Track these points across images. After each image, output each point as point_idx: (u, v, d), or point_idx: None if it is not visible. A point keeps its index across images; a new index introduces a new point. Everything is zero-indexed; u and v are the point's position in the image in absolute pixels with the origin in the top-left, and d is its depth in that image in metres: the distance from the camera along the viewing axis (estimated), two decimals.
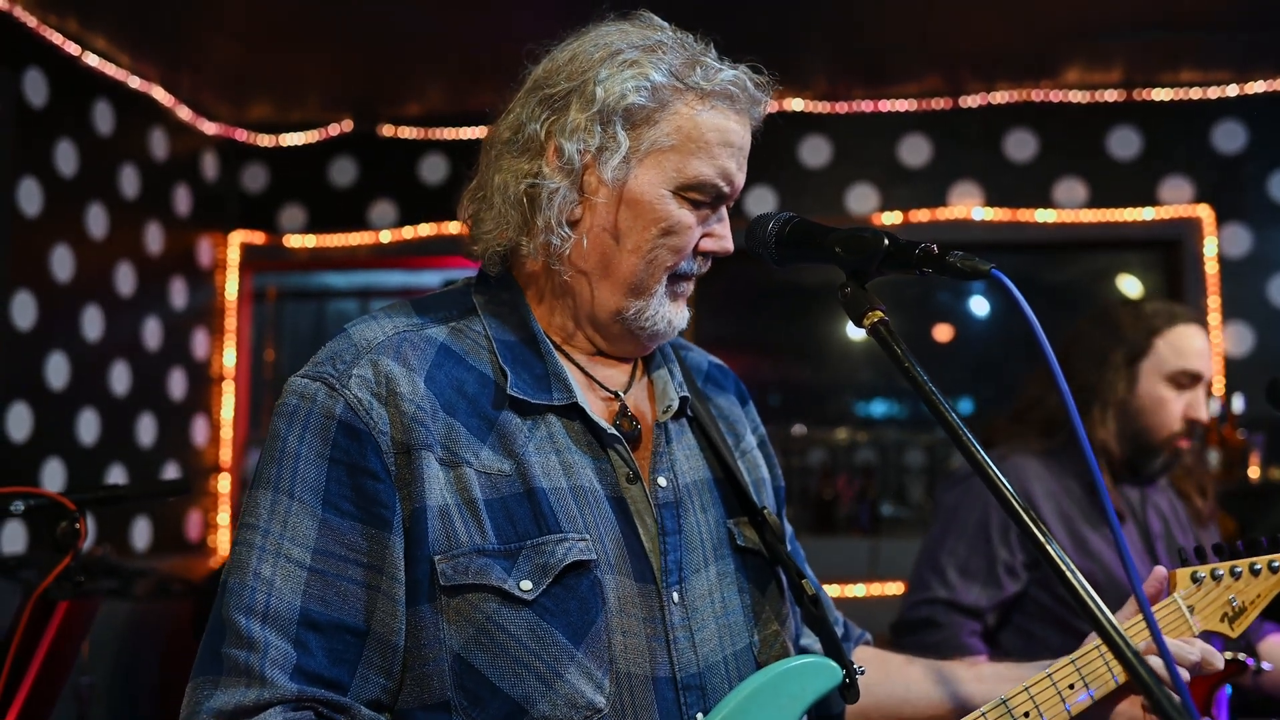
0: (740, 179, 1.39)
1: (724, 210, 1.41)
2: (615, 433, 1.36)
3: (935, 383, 1.22)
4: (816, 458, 5.60)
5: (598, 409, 1.38)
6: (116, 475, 4.65)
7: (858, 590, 4.87)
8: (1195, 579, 1.51)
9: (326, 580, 1.23)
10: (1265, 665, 2.35)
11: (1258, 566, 1.54)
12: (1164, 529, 2.60)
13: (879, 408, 5.72)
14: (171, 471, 5.04)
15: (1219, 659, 1.38)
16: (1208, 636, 1.50)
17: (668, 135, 1.33)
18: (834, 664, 1.37)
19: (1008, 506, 1.16)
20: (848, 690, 1.38)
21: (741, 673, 1.36)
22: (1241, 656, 2.29)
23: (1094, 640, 1.42)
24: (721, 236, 1.40)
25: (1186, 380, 2.54)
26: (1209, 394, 2.63)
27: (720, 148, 1.34)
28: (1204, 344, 2.57)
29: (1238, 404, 4.49)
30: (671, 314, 1.39)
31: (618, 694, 1.25)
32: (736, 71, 1.37)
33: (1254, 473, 4.40)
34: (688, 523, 1.38)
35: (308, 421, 1.26)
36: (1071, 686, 1.38)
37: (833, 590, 4.88)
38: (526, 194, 1.34)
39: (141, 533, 4.83)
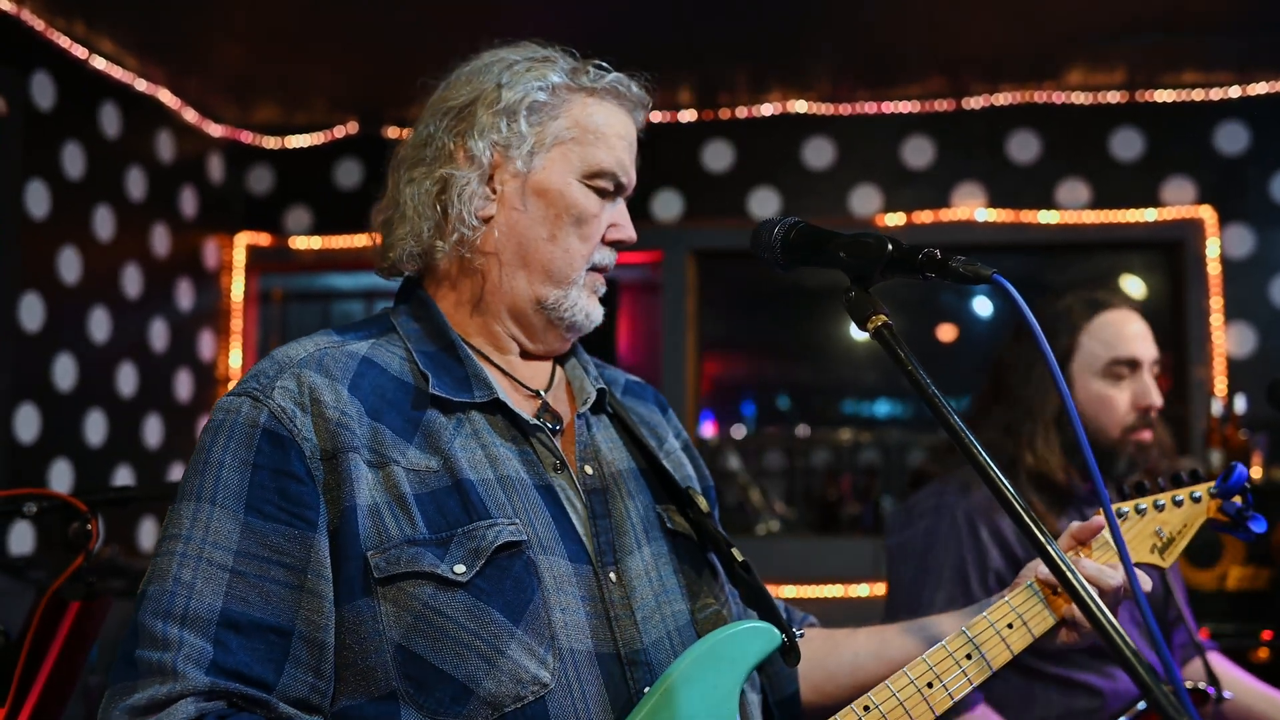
0: (633, 173, 1.50)
1: (622, 202, 1.51)
2: (537, 423, 1.42)
3: (938, 384, 1.24)
4: (820, 458, 5.62)
5: (520, 404, 1.44)
6: (124, 476, 4.68)
7: (862, 590, 4.88)
8: (1120, 514, 1.59)
9: (249, 581, 1.25)
10: (1226, 694, 2.26)
11: (1179, 498, 1.62)
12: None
13: (882, 408, 5.74)
14: (178, 471, 5.06)
15: (1146, 580, 1.39)
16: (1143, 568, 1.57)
17: (568, 129, 1.45)
18: (771, 627, 1.37)
19: (1010, 508, 1.17)
20: (788, 654, 1.39)
21: (686, 647, 1.38)
22: (1203, 685, 2.24)
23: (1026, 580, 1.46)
24: (624, 225, 1.50)
25: (1125, 370, 2.33)
26: (1160, 376, 2.41)
27: (615, 139, 1.47)
28: (1138, 326, 2.35)
29: (1240, 404, 4.50)
30: (589, 307, 1.48)
31: (562, 669, 1.28)
32: (619, 75, 1.50)
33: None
34: (616, 508, 1.44)
35: (232, 432, 1.30)
36: (1010, 626, 1.42)
37: (836, 590, 4.92)
38: (438, 195, 1.44)
39: (148, 533, 4.85)
